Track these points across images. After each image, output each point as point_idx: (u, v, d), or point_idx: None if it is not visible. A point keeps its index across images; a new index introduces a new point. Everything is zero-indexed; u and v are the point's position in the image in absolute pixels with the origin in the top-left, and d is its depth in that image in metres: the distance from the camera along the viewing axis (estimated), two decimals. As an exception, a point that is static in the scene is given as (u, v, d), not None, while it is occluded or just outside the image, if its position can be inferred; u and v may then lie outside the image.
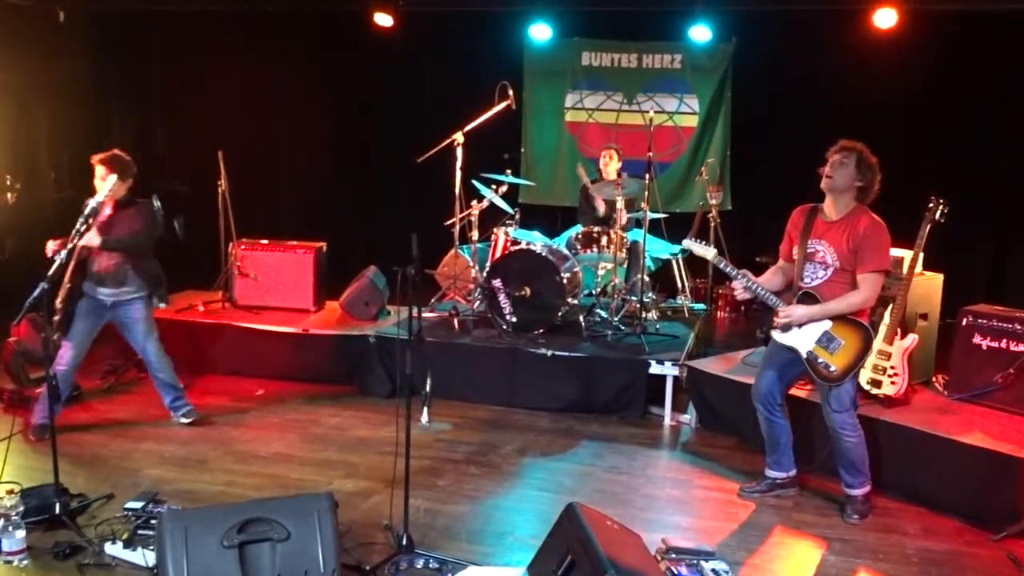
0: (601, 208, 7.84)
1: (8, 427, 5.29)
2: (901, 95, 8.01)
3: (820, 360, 4.54)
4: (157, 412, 5.99)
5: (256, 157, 9.16)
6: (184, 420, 5.92)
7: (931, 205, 5.14)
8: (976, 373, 5.39)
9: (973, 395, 5.37)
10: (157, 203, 5.64)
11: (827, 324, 4.54)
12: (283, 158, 9.85)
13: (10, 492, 4.18)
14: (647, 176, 7.07)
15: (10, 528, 4.00)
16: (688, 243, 4.89)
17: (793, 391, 5.60)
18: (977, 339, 5.39)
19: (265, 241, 7.66)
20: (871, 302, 4.54)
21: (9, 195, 8.45)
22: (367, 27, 8.66)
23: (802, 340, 4.61)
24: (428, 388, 4.88)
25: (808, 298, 4.57)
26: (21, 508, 4.11)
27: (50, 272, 4.60)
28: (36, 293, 4.47)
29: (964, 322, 5.47)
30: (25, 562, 4.01)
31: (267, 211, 9.29)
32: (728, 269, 4.66)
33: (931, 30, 7.73)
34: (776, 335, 4.71)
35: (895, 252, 4.90)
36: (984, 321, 5.34)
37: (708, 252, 4.78)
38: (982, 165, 7.85)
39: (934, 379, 5.83)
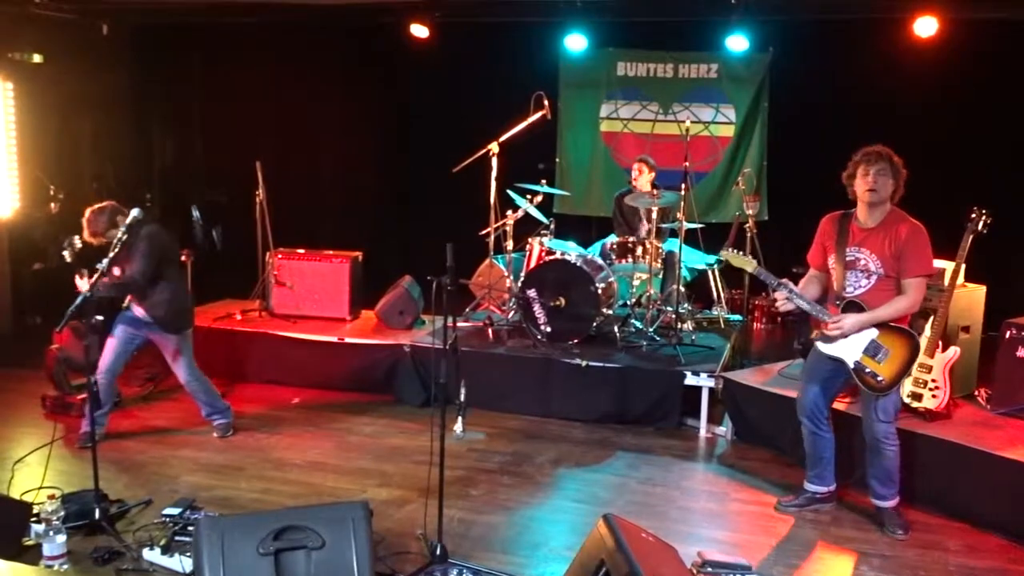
0: (643, 229, 7.67)
1: (50, 433, 5.36)
2: (941, 105, 7.90)
3: (868, 370, 4.47)
4: (195, 420, 6.05)
5: (293, 168, 9.25)
6: (215, 434, 5.95)
7: (973, 216, 5.05)
8: (1020, 387, 5.27)
9: (1017, 409, 5.26)
10: (196, 213, 5.66)
11: (873, 333, 4.48)
12: (320, 169, 9.94)
13: (51, 497, 4.25)
14: (683, 186, 7.03)
15: (51, 533, 4.05)
16: (727, 253, 4.85)
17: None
18: (1021, 352, 5.27)
19: (302, 250, 7.72)
20: (917, 306, 4.49)
21: (53, 205, 8.61)
22: (403, 38, 8.72)
23: (848, 350, 4.53)
24: (463, 398, 4.88)
25: (853, 307, 4.50)
26: (62, 513, 4.16)
27: (93, 279, 4.67)
28: (78, 301, 4.54)
29: (1008, 335, 5.36)
30: (65, 566, 4.06)
31: (304, 221, 9.37)
32: (769, 280, 4.62)
33: (971, 39, 7.62)
34: (821, 346, 4.63)
35: (937, 264, 4.82)
36: (1027, 333, 5.24)
37: (748, 263, 4.72)
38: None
39: (976, 393, 5.72)
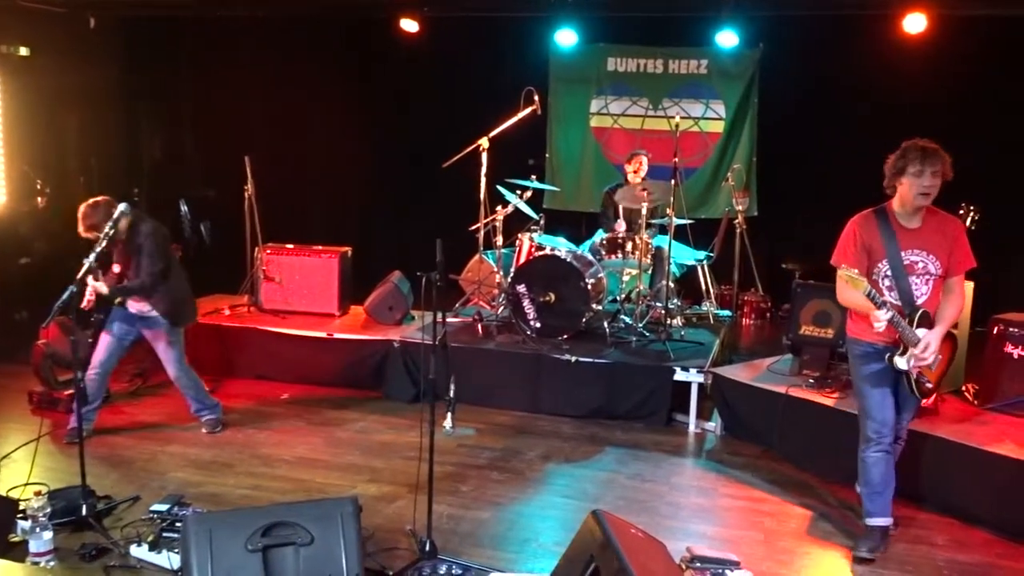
0: (621, 227, 7.61)
1: (36, 429, 5.33)
2: (930, 101, 7.91)
3: (924, 378, 4.32)
4: (184, 415, 6.02)
5: (283, 163, 9.20)
6: (203, 430, 5.93)
7: (961, 212, 5.07)
8: (1007, 382, 5.31)
9: (1004, 405, 5.29)
10: (184, 208, 5.63)
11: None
12: (309, 164, 9.89)
13: (38, 494, 4.22)
14: (673, 182, 7.04)
15: (38, 529, 4.03)
16: (846, 272, 3.98)
17: (818, 399, 5.56)
18: (1008, 348, 5.31)
19: (291, 245, 7.69)
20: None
21: (39, 199, 8.55)
22: (393, 33, 8.69)
23: (911, 361, 4.24)
24: (452, 393, 4.88)
25: (925, 317, 4.21)
26: (49, 510, 4.14)
27: (79, 275, 4.64)
28: (64, 296, 4.51)
29: (995, 331, 5.39)
30: (52, 563, 4.04)
31: (293, 216, 9.33)
32: (876, 299, 4.05)
33: (961, 35, 7.63)
34: (899, 362, 4.23)
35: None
36: (1015, 330, 5.26)
37: (860, 283, 3.96)
38: (1013, 172, 7.73)
39: (964, 388, 5.74)
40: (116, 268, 5.31)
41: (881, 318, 4.04)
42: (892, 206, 4.24)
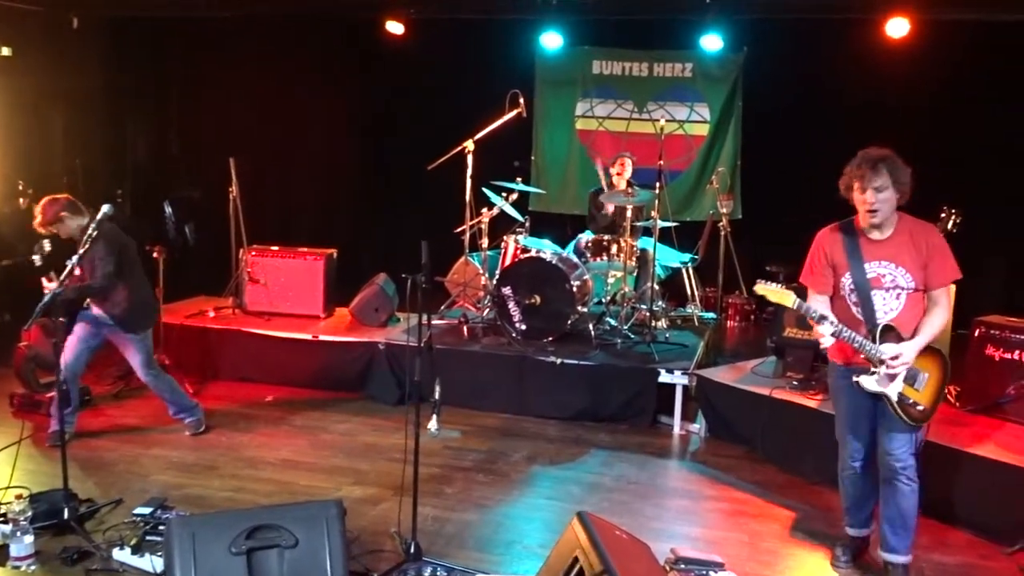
0: (610, 210, 7.77)
1: (18, 432, 5.28)
2: (913, 105, 7.97)
3: (910, 400, 3.92)
4: (167, 418, 5.97)
5: (268, 164, 9.18)
6: (187, 432, 5.88)
7: (943, 215, 5.09)
8: (989, 385, 5.33)
9: (986, 407, 5.32)
10: (169, 209, 5.57)
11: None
12: (295, 165, 9.87)
13: (19, 497, 4.19)
14: (657, 184, 7.06)
15: (19, 533, 4.00)
16: (763, 287, 3.96)
17: (802, 401, 5.58)
18: (990, 350, 5.33)
19: (275, 247, 7.66)
20: (950, 318, 3.96)
21: (22, 200, 8.48)
22: (379, 35, 8.67)
23: (891, 383, 3.92)
24: (437, 395, 4.86)
25: (889, 333, 3.89)
26: (30, 513, 4.11)
27: (61, 277, 4.61)
28: (46, 299, 4.48)
29: (977, 333, 5.43)
30: (33, 567, 4.01)
31: (278, 218, 9.32)
32: (811, 313, 3.88)
33: (942, 39, 7.69)
34: (866, 383, 3.92)
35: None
36: (997, 332, 5.29)
37: (787, 297, 3.88)
38: (996, 175, 7.79)
39: (946, 391, 5.76)
40: (76, 271, 5.10)
41: (823, 332, 3.87)
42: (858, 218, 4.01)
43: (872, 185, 3.77)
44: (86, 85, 9.04)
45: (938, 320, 3.90)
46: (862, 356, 3.92)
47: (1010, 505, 4.59)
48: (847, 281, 3.97)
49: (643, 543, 3.97)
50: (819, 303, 4.03)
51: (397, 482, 4.62)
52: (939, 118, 7.91)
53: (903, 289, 3.89)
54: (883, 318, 3.90)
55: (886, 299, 3.92)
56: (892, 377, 3.88)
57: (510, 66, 9.01)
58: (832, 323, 3.85)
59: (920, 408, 3.94)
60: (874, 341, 3.87)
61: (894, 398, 3.91)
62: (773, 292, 3.91)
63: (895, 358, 3.82)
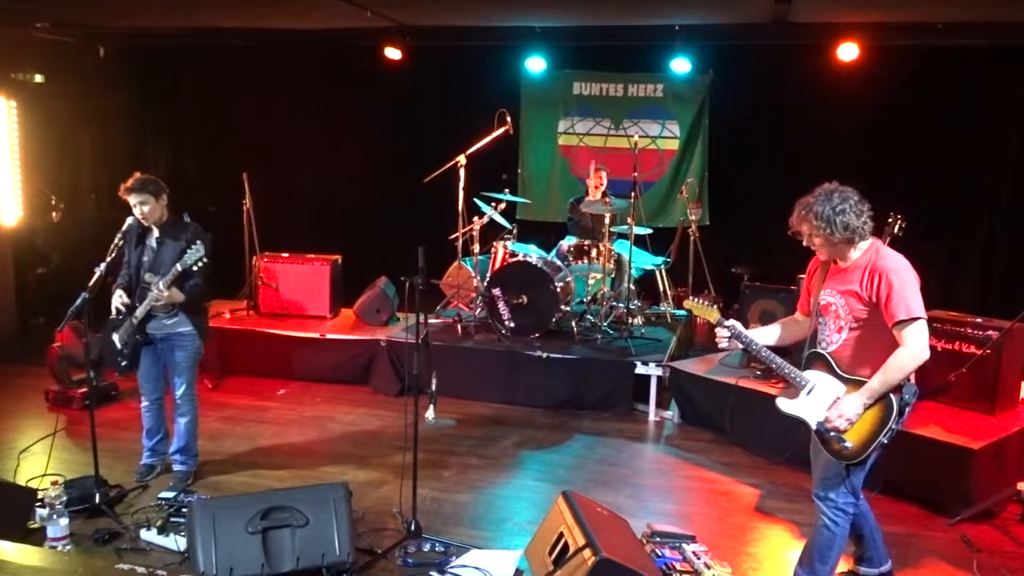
0: (588, 216, 7.76)
1: (53, 424, 5.27)
2: (863, 121, 7.99)
3: (832, 433, 3.39)
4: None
5: (278, 178, 9.14)
6: (174, 470, 4.96)
7: (890, 221, 5.12)
8: (932, 372, 5.37)
9: (929, 392, 5.36)
10: (187, 219, 5.42)
11: (840, 390, 3.42)
12: (302, 179, 9.83)
13: (55, 483, 4.19)
14: (633, 194, 7.09)
15: (55, 516, 4.00)
16: (691, 303, 3.85)
17: (765, 389, 5.60)
18: (933, 341, 5.33)
19: (286, 254, 7.66)
20: (921, 357, 3.28)
21: (54, 214, 8.47)
22: (378, 60, 8.66)
23: (811, 409, 3.47)
24: (434, 387, 4.89)
25: (817, 360, 3.50)
26: (64, 498, 4.11)
27: (90, 283, 4.59)
28: (77, 302, 4.47)
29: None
30: (68, 547, 4.01)
31: (288, 227, 9.27)
32: (738, 334, 3.60)
33: (889, 63, 7.73)
34: (780, 403, 3.56)
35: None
36: (939, 326, 5.33)
37: (712, 314, 3.68)
38: (935, 184, 7.83)
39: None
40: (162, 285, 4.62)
41: (719, 334, 3.59)
42: None
43: (804, 237, 3.43)
44: (112, 108, 9.02)
45: (890, 368, 3.28)
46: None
47: (953, 480, 4.65)
48: (814, 303, 3.58)
49: (622, 519, 4.00)
50: (796, 321, 3.75)
51: (398, 466, 4.63)
52: (884, 131, 7.95)
53: (842, 321, 3.42)
54: (828, 347, 3.48)
55: (831, 330, 3.48)
56: (815, 404, 3.45)
57: (498, 88, 9.00)
58: (732, 328, 3.56)
59: (845, 445, 3.37)
60: (807, 366, 3.51)
61: (813, 426, 3.46)
62: (698, 308, 3.76)
63: (843, 417, 3.34)
